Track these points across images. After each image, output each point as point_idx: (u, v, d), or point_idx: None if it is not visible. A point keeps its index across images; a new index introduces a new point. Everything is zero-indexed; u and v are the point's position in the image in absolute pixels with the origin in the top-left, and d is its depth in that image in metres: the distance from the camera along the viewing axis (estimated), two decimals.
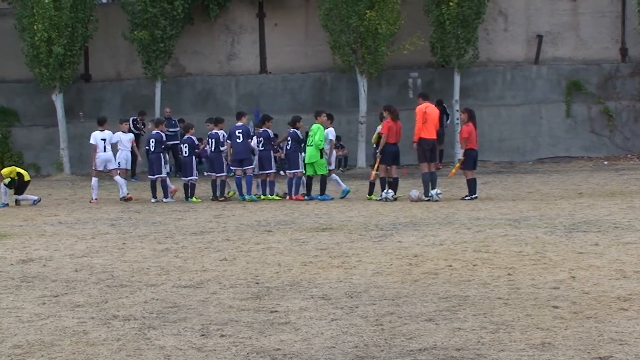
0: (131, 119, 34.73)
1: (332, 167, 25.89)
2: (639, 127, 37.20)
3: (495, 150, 36.51)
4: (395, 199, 23.74)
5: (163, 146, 25.89)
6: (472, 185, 23.69)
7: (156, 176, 25.67)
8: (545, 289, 11.40)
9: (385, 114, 24.71)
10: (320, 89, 37.77)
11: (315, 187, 25.23)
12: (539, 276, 12.30)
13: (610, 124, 37.05)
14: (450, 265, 13.35)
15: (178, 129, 34.51)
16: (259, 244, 16.21)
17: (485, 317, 9.98)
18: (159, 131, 26.14)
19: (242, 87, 37.97)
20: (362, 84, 35.57)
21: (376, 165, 24.40)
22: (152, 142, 25.79)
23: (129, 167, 26.54)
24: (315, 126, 25.02)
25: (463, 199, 23.54)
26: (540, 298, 10.89)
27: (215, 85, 38.07)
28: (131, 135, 27.17)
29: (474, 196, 23.53)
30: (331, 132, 25.57)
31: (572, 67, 37.36)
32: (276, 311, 10.55)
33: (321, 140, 24.78)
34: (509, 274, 12.50)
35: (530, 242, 15.53)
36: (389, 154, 24.04)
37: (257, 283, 12.37)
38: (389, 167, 24.25)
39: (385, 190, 23.83)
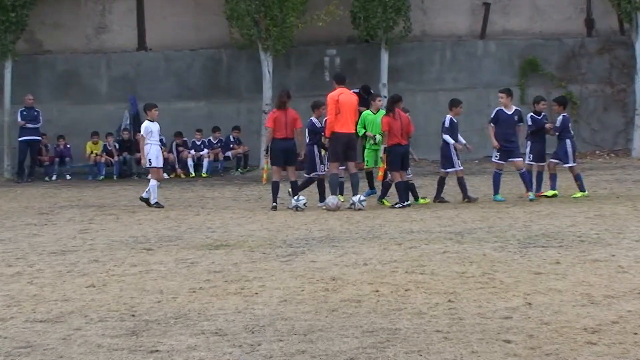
0: None
1: None
2: (609, 116, 37.77)
3: (432, 146, 36.46)
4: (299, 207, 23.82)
5: None
6: (402, 190, 23.84)
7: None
8: (495, 319, 11.50)
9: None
10: (214, 70, 37.76)
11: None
12: (487, 303, 12.41)
13: (575, 113, 37.39)
14: (377, 291, 13.40)
15: (40, 123, 34.37)
16: (135, 266, 16.13)
17: (421, 355, 10.03)
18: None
19: (115, 68, 37.80)
20: (267, 64, 35.61)
21: (266, 167, 24.60)
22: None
23: (161, 165, 26.32)
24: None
25: (393, 207, 23.70)
26: (489, 330, 10.97)
27: (80, 65, 37.82)
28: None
29: (406, 203, 23.71)
30: None
31: (527, 43, 37.89)
32: (157, 351, 10.49)
33: None
34: (449, 301, 12.58)
35: (476, 260, 15.67)
36: (278, 152, 23.98)
37: (133, 316, 12.29)
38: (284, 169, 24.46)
39: (295, 197, 23.83)
